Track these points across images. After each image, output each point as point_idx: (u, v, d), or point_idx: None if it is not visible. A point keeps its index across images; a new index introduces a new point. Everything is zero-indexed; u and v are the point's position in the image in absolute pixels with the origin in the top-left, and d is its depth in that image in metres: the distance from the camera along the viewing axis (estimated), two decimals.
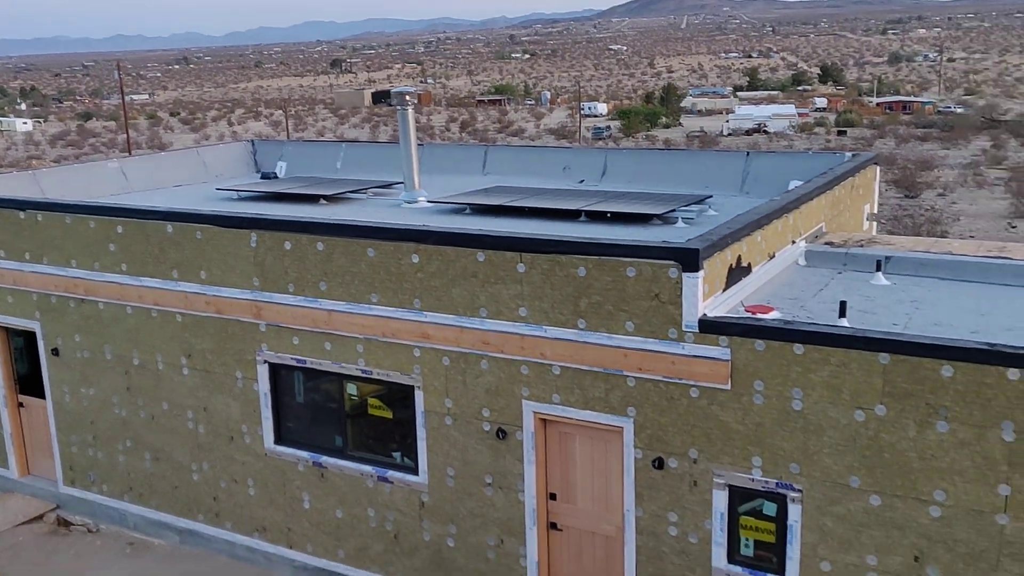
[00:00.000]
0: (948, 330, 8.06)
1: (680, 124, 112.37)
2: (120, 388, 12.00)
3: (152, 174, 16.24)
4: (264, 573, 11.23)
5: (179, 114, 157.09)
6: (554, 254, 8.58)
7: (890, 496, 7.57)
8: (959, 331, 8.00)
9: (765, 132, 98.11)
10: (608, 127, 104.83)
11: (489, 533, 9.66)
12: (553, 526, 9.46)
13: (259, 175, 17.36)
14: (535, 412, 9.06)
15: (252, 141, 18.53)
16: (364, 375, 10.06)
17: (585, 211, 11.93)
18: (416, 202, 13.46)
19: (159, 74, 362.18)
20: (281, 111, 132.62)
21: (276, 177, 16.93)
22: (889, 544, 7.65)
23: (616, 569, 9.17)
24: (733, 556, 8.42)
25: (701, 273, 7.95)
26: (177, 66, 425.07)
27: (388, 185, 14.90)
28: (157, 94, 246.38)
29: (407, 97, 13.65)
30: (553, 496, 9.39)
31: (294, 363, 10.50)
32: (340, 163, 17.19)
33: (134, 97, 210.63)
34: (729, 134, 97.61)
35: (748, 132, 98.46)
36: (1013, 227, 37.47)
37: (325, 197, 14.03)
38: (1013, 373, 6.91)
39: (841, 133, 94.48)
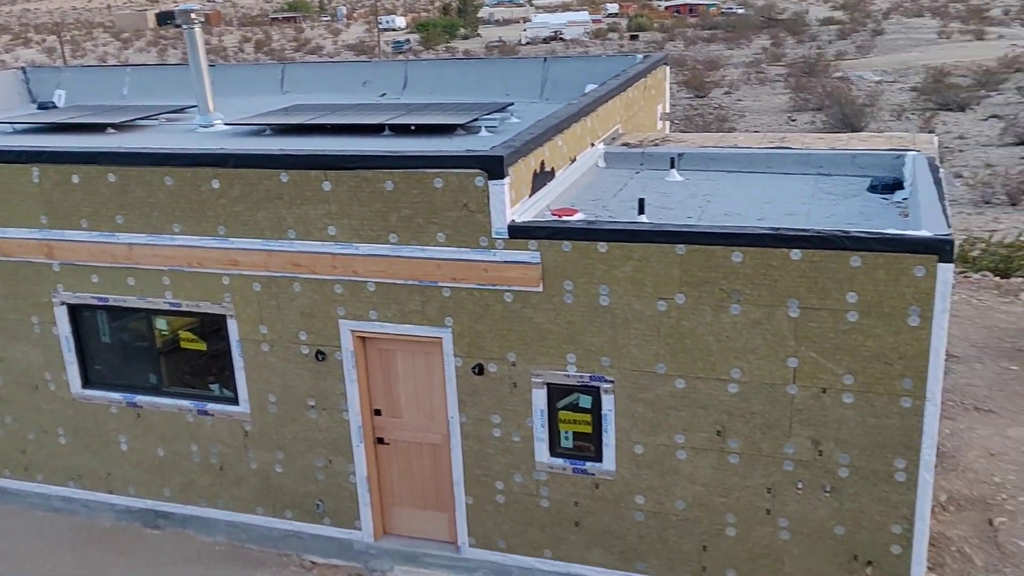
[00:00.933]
0: (737, 219, 8.60)
1: (479, 35, 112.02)
2: None
3: None
4: (85, 522, 10.85)
5: None
6: (359, 170, 8.50)
7: (693, 378, 8.11)
8: (747, 219, 8.55)
9: (562, 39, 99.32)
10: (408, 40, 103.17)
11: (316, 455, 9.69)
12: (380, 441, 9.58)
13: (35, 105, 16.10)
14: (353, 331, 9.06)
15: (24, 69, 17.10)
16: (173, 308, 9.72)
17: (389, 125, 11.78)
18: (212, 126, 12.88)
19: None
20: (55, 36, 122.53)
21: (55, 107, 15.75)
22: (694, 422, 8.23)
23: (444, 475, 9.43)
24: (555, 449, 8.82)
25: (507, 180, 8.09)
26: None
27: (181, 110, 14.17)
28: None
29: (193, 16, 12.92)
30: (378, 412, 9.49)
31: (96, 302, 10.00)
32: (127, 89, 16.15)
33: None
34: (527, 43, 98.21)
35: (545, 40, 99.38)
36: (793, 120, 39.88)
37: (113, 126, 13.20)
38: (795, 254, 7.48)
39: (634, 38, 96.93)
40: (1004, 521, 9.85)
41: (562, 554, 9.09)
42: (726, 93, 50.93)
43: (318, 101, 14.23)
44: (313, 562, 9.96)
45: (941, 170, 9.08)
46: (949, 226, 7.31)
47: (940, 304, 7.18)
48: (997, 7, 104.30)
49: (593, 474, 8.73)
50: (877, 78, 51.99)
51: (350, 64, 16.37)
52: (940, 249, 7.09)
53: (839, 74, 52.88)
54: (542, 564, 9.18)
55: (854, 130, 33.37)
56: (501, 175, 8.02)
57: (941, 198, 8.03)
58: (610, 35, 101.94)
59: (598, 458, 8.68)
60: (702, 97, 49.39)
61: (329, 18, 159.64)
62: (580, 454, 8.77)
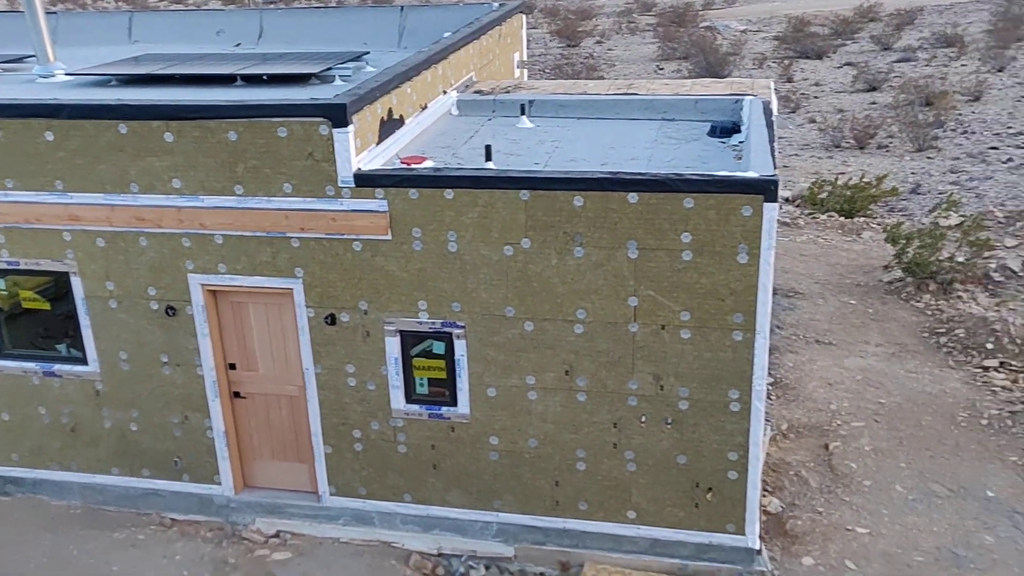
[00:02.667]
0: (583, 164, 8.79)
1: None
2: None
3: None
4: None
5: None
6: (202, 120, 8.33)
7: (541, 320, 8.33)
8: (592, 164, 8.76)
9: None
10: None
11: (172, 412, 9.56)
12: (236, 395, 9.53)
13: None
14: (202, 284, 8.93)
15: None
16: (11, 267, 9.37)
17: (241, 75, 11.50)
18: (53, 76, 12.31)
19: None
20: None
21: None
22: (543, 363, 8.47)
23: (303, 426, 9.45)
24: (410, 396, 8.95)
25: (351, 128, 8.07)
26: None
27: (20, 59, 13.48)
28: None
29: None
30: (233, 366, 9.41)
31: None
32: None
33: None
34: None
35: None
36: (660, 69, 40.52)
37: None
38: (632, 197, 7.73)
39: None
40: (838, 445, 10.52)
41: (421, 497, 9.28)
42: (598, 42, 51.28)
43: (169, 51, 13.77)
44: (173, 519, 9.87)
45: (774, 114, 9.47)
46: (775, 167, 7.67)
47: (767, 241, 7.56)
48: None
49: (449, 418, 8.91)
50: (742, 27, 53.23)
51: (203, 13, 15.87)
52: (765, 189, 7.44)
53: (706, 24, 53.87)
54: (402, 508, 9.35)
55: (718, 78, 34.20)
56: (345, 123, 7.99)
57: (771, 140, 8.40)
58: None
59: (453, 402, 8.86)
60: (574, 47, 49.62)
61: None
62: (435, 399, 8.92)
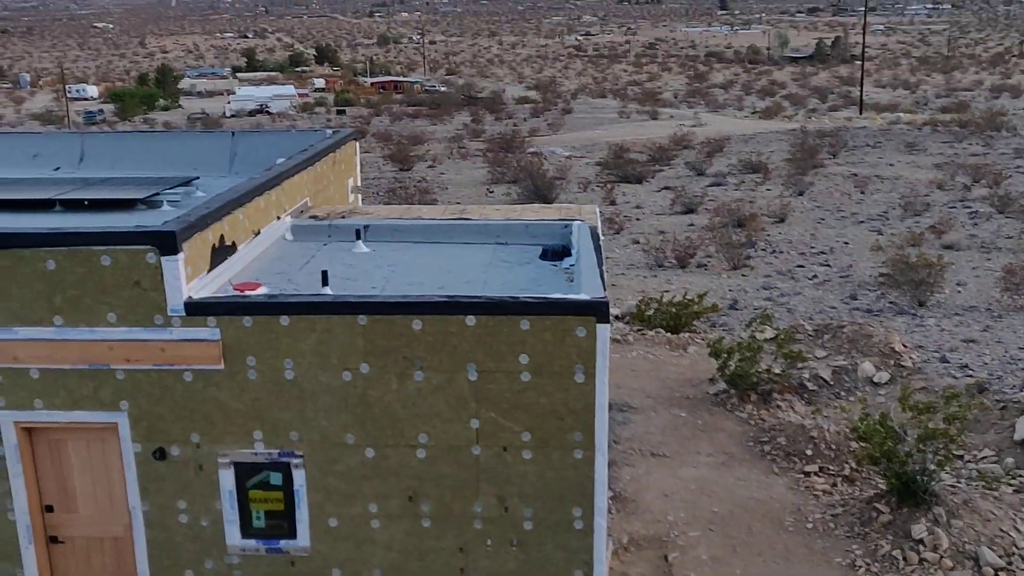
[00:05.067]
0: (420, 288, 8.88)
1: (180, 106, 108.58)
2: None
3: None
4: None
5: None
6: (15, 249, 7.93)
7: (382, 447, 8.21)
8: (429, 288, 8.86)
9: (268, 113, 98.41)
10: (101, 110, 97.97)
11: None
12: (54, 540, 8.84)
13: None
14: (16, 422, 8.36)
15: None
16: None
17: (60, 200, 11.11)
18: None
19: None
20: None
21: None
22: (386, 490, 8.31)
23: (128, 569, 8.83)
24: (247, 531, 8.55)
25: (181, 256, 7.88)
26: None
27: None
28: None
29: None
30: (50, 508, 8.76)
31: None
32: None
33: None
34: (232, 115, 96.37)
35: (251, 113, 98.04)
36: (491, 192, 41.82)
37: None
38: (470, 320, 7.84)
39: (340, 112, 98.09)
40: (677, 556, 10.71)
41: None
42: (430, 166, 52.57)
43: None
44: None
45: (601, 237, 9.91)
46: (604, 289, 7.99)
47: (601, 361, 7.80)
48: (668, 91, 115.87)
49: (288, 552, 8.55)
50: (567, 153, 55.89)
51: (17, 136, 15.34)
52: (597, 310, 7.72)
53: (532, 149, 56.25)
54: None
55: (546, 201, 35.54)
56: (175, 251, 7.81)
57: (599, 264, 8.77)
58: (317, 109, 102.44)
59: (292, 535, 8.52)
60: (407, 170, 50.63)
61: (11, 85, 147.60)
62: (273, 533, 8.56)
